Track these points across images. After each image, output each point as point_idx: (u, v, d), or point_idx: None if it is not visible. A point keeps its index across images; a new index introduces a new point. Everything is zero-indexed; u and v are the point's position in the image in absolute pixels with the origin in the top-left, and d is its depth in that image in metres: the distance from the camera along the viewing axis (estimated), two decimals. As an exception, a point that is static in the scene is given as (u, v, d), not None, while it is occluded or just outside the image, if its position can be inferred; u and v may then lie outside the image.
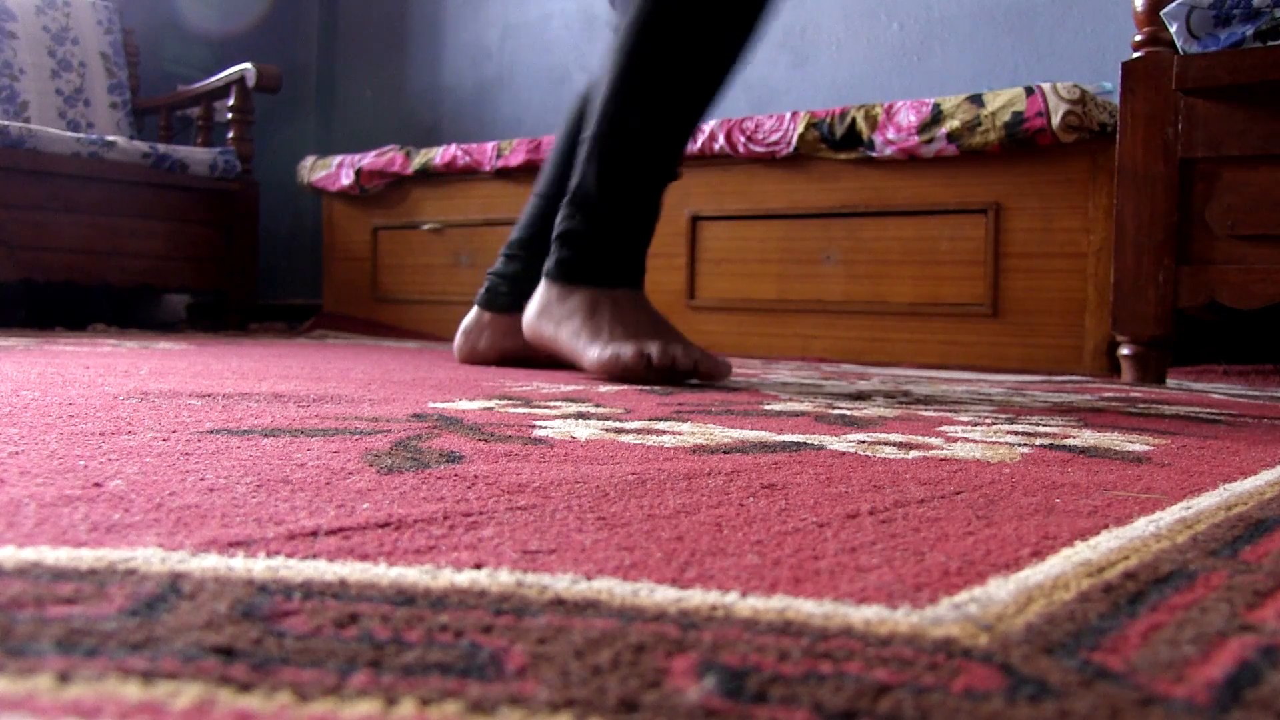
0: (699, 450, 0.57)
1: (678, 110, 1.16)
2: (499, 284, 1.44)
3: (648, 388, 1.04)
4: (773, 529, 0.37)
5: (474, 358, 1.45)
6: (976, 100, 1.79)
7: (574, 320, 1.16)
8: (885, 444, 0.62)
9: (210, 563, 0.29)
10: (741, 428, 0.69)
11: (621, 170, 1.16)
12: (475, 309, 1.47)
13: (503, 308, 1.42)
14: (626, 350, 1.08)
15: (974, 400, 1.01)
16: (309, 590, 0.27)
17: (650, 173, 1.18)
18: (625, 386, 1.04)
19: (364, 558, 0.30)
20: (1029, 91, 1.73)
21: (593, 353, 1.12)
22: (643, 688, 0.21)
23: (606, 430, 0.65)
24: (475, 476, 0.45)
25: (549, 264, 1.21)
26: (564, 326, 1.17)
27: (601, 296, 1.16)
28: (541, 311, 1.20)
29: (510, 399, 0.85)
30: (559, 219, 1.21)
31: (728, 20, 1.12)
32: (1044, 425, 0.77)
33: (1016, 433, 0.71)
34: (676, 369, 1.07)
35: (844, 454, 0.57)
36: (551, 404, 0.82)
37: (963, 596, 0.28)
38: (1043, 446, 0.64)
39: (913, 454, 0.58)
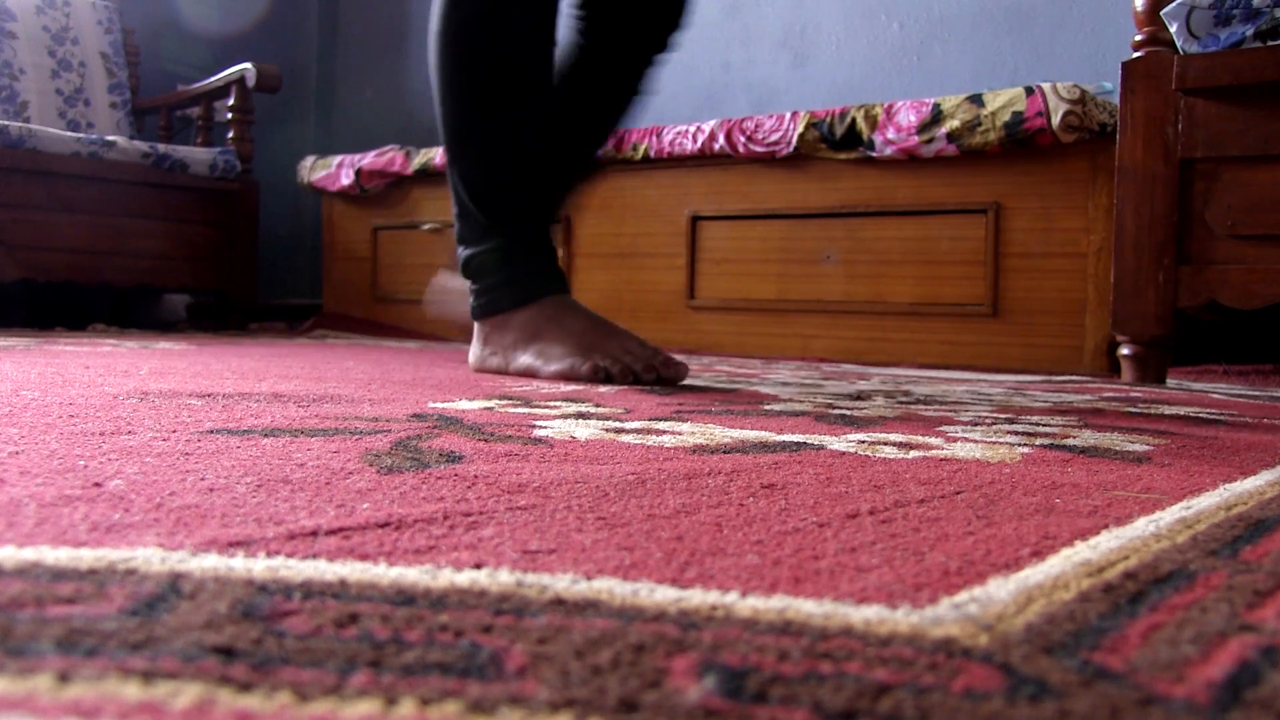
0: (699, 450, 0.57)
1: (504, 104, 1.14)
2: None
3: (647, 388, 1.04)
4: (773, 529, 0.37)
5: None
6: (976, 100, 1.79)
7: (518, 350, 1.15)
8: (885, 444, 0.62)
9: (210, 563, 0.29)
10: (741, 428, 0.69)
11: (485, 182, 1.15)
12: None
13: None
14: (581, 367, 1.08)
15: (974, 400, 1.01)
16: (309, 590, 0.27)
17: (514, 174, 1.16)
18: (625, 386, 1.04)
19: (364, 558, 0.30)
20: (1029, 91, 1.73)
21: (546, 372, 1.12)
22: (643, 688, 0.21)
23: (606, 430, 0.65)
24: (475, 476, 0.45)
25: (472, 305, 1.20)
26: (512, 359, 1.16)
27: (532, 315, 1.15)
28: (486, 353, 1.19)
29: (510, 399, 0.85)
30: (458, 252, 1.21)
31: (511, 12, 1.11)
32: (1044, 425, 0.77)
33: (1016, 433, 0.71)
34: (640, 380, 1.07)
35: (844, 454, 0.57)
36: (551, 404, 0.82)
37: (963, 596, 0.28)
38: (1043, 446, 0.64)
39: (913, 454, 0.58)
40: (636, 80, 1.25)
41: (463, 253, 1.21)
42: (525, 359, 1.15)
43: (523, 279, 1.16)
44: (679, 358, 1.31)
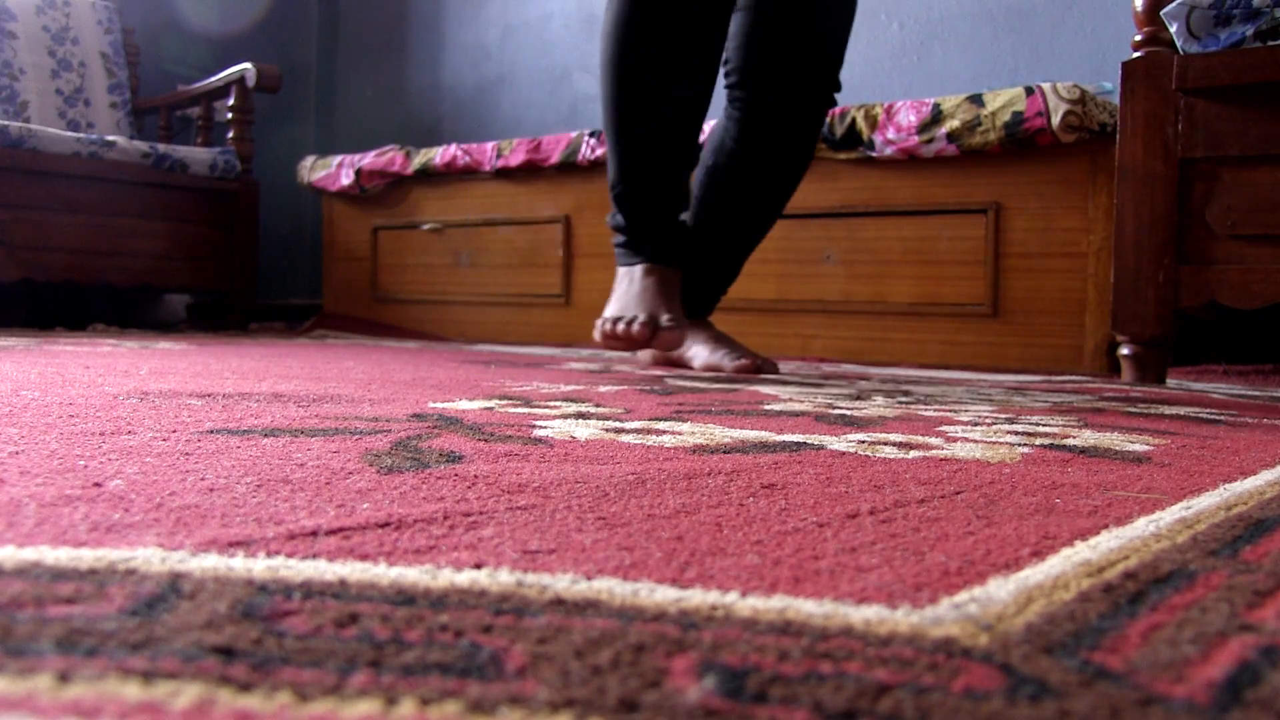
0: (699, 450, 0.57)
1: (654, 103, 1.29)
2: None
3: (647, 388, 1.04)
4: (773, 529, 0.37)
5: (637, 357, 1.65)
6: (976, 100, 1.79)
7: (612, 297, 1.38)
8: (885, 444, 0.62)
9: (210, 563, 0.29)
10: (741, 428, 0.69)
11: (626, 159, 1.31)
12: None
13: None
14: (604, 323, 1.30)
15: (974, 400, 1.01)
16: (309, 590, 0.27)
17: (651, 159, 1.32)
18: (625, 386, 1.04)
19: (364, 558, 0.30)
20: (1029, 91, 1.73)
21: (601, 318, 1.34)
22: (643, 688, 0.21)
23: (606, 430, 0.65)
24: (475, 476, 0.45)
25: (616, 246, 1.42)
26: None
27: (625, 274, 1.36)
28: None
29: (510, 399, 0.85)
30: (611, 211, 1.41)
31: (675, 24, 1.24)
32: (1044, 425, 0.77)
33: (1016, 433, 0.71)
34: (632, 338, 1.26)
35: (844, 454, 0.57)
36: (551, 404, 0.82)
37: (963, 596, 0.28)
38: (1043, 446, 0.64)
39: (913, 454, 0.58)
40: (811, 137, 1.38)
41: (611, 215, 1.40)
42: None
43: (631, 241, 1.36)
44: (623, 354, 1.59)
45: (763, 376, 1.31)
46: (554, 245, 2.36)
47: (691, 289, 1.48)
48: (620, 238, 1.37)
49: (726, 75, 1.36)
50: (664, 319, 1.27)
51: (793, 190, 1.44)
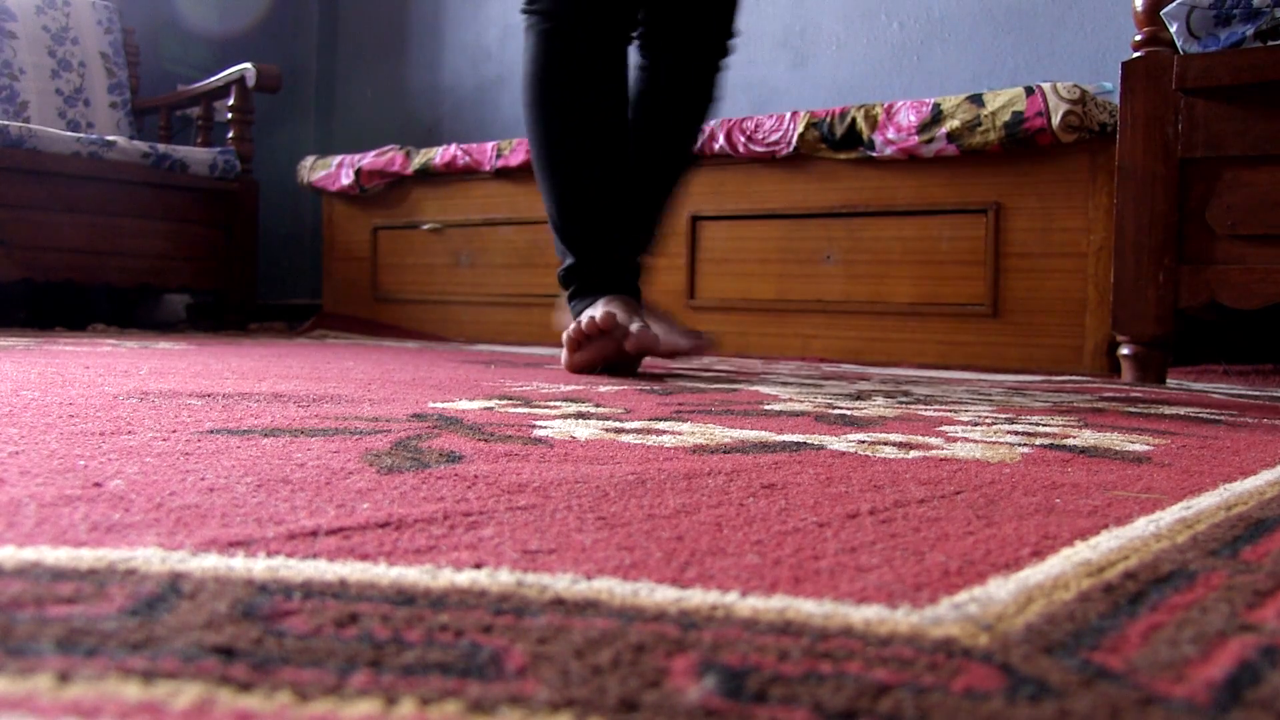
0: (699, 450, 0.57)
1: (582, 132, 1.31)
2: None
3: (648, 388, 1.04)
4: (773, 529, 0.37)
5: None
6: (976, 100, 1.79)
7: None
8: (885, 444, 0.62)
9: (210, 563, 0.29)
10: (741, 428, 0.69)
11: (568, 195, 1.32)
12: None
13: None
14: (579, 321, 1.23)
15: (974, 400, 1.01)
16: (309, 590, 0.27)
17: (592, 185, 1.32)
18: (625, 386, 1.04)
19: (364, 558, 0.30)
20: (1029, 91, 1.73)
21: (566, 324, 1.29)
22: (643, 688, 0.21)
23: (606, 430, 0.65)
24: (475, 476, 0.45)
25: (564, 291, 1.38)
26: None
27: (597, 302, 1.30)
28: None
29: (510, 399, 0.85)
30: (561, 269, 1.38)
31: (581, 74, 1.30)
32: (1044, 425, 0.77)
33: (1016, 433, 0.71)
34: (600, 332, 1.19)
35: (844, 454, 0.57)
36: (551, 404, 0.82)
37: (963, 596, 0.28)
38: (1043, 446, 0.64)
39: (913, 454, 0.58)
40: (707, 88, 1.46)
41: (562, 266, 1.36)
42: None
43: (595, 285, 1.31)
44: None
45: (762, 376, 1.31)
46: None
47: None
48: (573, 285, 1.32)
49: (636, 39, 1.43)
50: (634, 325, 1.21)
51: (693, 140, 1.50)
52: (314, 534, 0.33)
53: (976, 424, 0.76)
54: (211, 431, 0.57)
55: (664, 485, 0.45)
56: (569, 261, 1.32)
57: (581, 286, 1.31)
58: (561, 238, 1.33)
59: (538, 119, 1.32)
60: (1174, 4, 1.41)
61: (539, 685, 0.21)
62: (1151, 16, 1.46)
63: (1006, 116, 1.74)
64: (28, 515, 0.34)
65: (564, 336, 1.24)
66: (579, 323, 1.22)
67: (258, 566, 0.29)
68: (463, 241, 2.53)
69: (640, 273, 1.39)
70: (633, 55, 1.43)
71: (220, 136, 2.73)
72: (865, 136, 1.89)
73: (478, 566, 0.30)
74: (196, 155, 2.44)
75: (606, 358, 1.23)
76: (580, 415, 0.74)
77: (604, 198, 1.32)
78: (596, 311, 1.21)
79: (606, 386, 1.04)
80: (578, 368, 1.25)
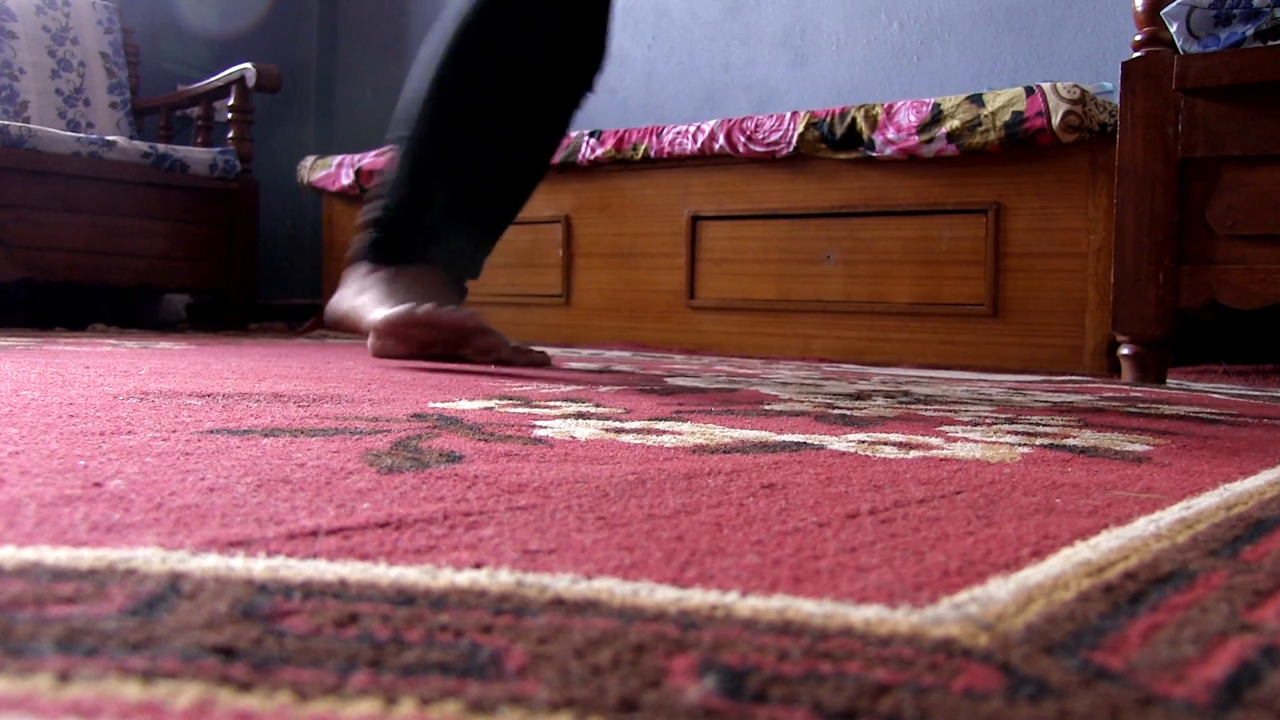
0: (699, 450, 0.57)
1: (492, 126, 1.23)
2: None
3: (648, 388, 1.04)
4: (773, 529, 0.37)
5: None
6: (976, 100, 1.79)
7: (370, 291, 1.21)
8: (885, 444, 0.62)
9: (210, 563, 0.29)
10: (741, 428, 0.69)
11: (439, 172, 1.23)
12: None
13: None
14: (399, 309, 1.12)
15: (974, 400, 1.01)
16: (309, 590, 0.27)
17: (468, 180, 1.24)
18: (625, 386, 1.04)
19: (364, 558, 0.30)
20: (1029, 91, 1.73)
21: (376, 314, 1.16)
22: (643, 688, 0.21)
23: (606, 430, 0.65)
24: (475, 476, 0.45)
25: (358, 247, 1.26)
26: (360, 296, 1.22)
27: (404, 272, 1.21)
28: (344, 289, 1.25)
29: (510, 399, 0.85)
30: (370, 207, 1.26)
31: (525, 47, 1.20)
32: (1044, 425, 0.77)
33: (1017, 433, 0.71)
34: (440, 325, 1.10)
35: (844, 454, 0.57)
36: (551, 404, 0.82)
37: (963, 596, 0.28)
38: (1043, 446, 0.64)
39: (913, 454, 0.58)
40: (564, 122, 1.34)
41: (374, 209, 1.25)
42: (365, 301, 1.21)
43: (417, 244, 1.22)
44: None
45: (762, 376, 1.31)
46: (554, 245, 2.36)
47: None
48: (377, 234, 1.24)
49: None
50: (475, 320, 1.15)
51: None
52: (314, 534, 0.33)
53: (976, 424, 0.76)
54: (211, 431, 0.57)
55: (664, 485, 0.45)
56: (391, 206, 1.23)
57: (393, 240, 1.23)
58: (410, 181, 1.23)
59: (457, 101, 1.23)
60: (1174, 4, 1.41)
61: (539, 685, 0.21)
62: (1151, 16, 1.46)
63: (1006, 116, 1.74)
64: (28, 515, 0.34)
65: (383, 318, 1.13)
66: (414, 311, 1.11)
67: (258, 566, 0.29)
68: (463, 241, 2.53)
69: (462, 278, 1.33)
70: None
71: (220, 136, 2.73)
72: (865, 136, 1.89)
73: (478, 566, 0.30)
74: (196, 155, 2.44)
75: (430, 349, 1.16)
76: (580, 415, 0.74)
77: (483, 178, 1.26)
78: (444, 307, 1.11)
79: (606, 387, 1.04)
80: (389, 354, 1.17)
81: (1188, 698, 0.21)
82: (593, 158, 2.24)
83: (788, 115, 1.99)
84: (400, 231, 1.24)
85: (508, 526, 0.36)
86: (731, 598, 0.27)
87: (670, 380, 1.17)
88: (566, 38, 1.26)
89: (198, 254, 2.47)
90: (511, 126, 1.26)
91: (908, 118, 1.85)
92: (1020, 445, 0.64)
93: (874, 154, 1.89)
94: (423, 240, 1.24)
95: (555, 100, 1.30)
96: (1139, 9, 1.47)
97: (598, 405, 0.82)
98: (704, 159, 2.12)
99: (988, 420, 0.80)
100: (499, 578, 0.28)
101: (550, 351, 1.94)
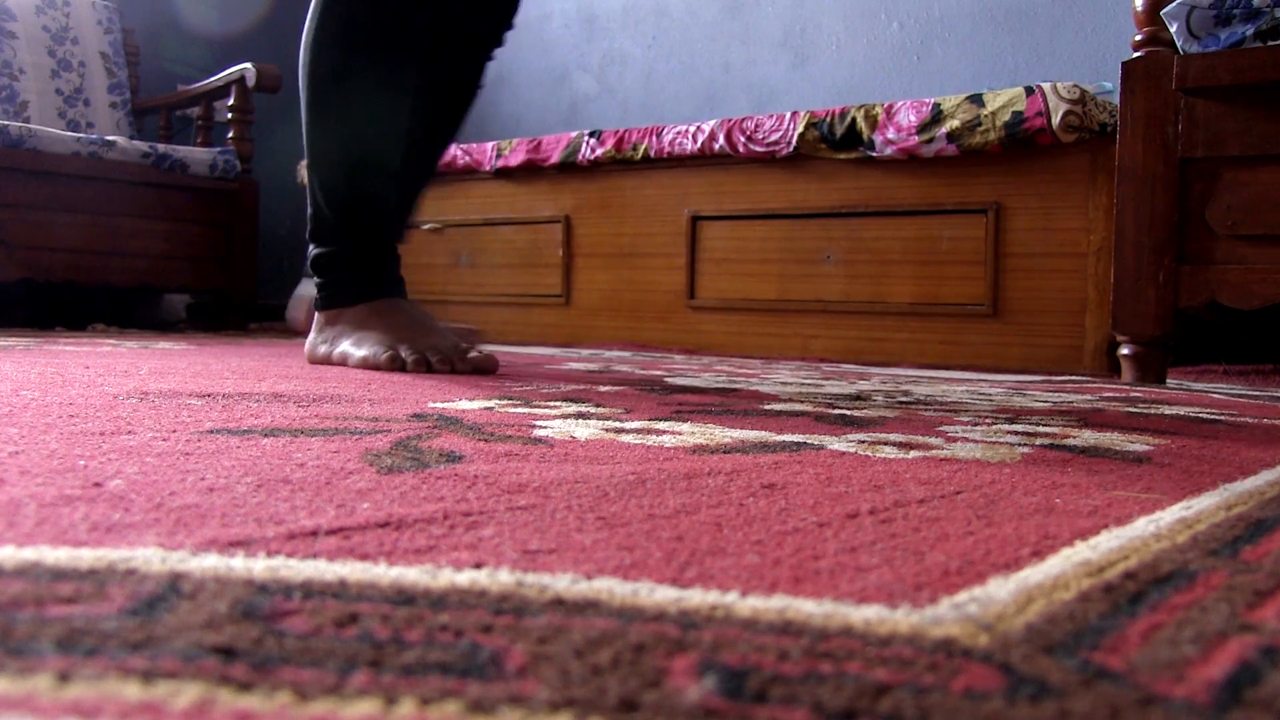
0: (699, 450, 0.57)
1: (365, 119, 1.20)
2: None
3: (648, 388, 1.04)
4: (773, 529, 0.37)
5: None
6: (976, 100, 1.79)
7: (342, 339, 1.24)
8: (885, 444, 0.62)
9: (210, 563, 0.29)
10: (741, 428, 0.69)
11: (341, 188, 1.22)
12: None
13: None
14: (381, 355, 1.15)
15: (974, 400, 1.01)
16: (309, 590, 0.27)
17: (368, 185, 1.23)
18: (625, 386, 1.04)
19: (364, 558, 0.30)
20: (1029, 91, 1.73)
21: (355, 356, 1.19)
22: (643, 688, 0.21)
23: (606, 430, 0.65)
24: (475, 476, 0.45)
25: (315, 299, 1.28)
26: (335, 347, 1.24)
27: (363, 310, 1.23)
28: (318, 341, 1.27)
29: (510, 399, 0.85)
30: (309, 250, 1.27)
31: (386, 41, 1.17)
32: (1044, 425, 0.77)
33: (1017, 433, 0.71)
34: (432, 370, 1.12)
35: (844, 454, 0.57)
36: (551, 404, 0.82)
37: (963, 596, 0.28)
38: (1043, 446, 0.64)
39: (913, 454, 0.58)
40: (474, 81, 1.32)
41: (313, 250, 1.27)
42: (344, 346, 1.22)
43: (363, 279, 1.24)
44: (491, 350, 1.41)
45: (762, 376, 1.31)
46: (554, 245, 2.36)
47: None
48: (335, 274, 1.24)
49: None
50: (471, 353, 1.15)
51: (461, 124, 1.35)
52: (314, 534, 0.33)
53: (976, 424, 0.76)
54: (211, 431, 0.57)
55: (664, 485, 0.45)
56: (337, 245, 1.23)
57: (355, 273, 1.23)
58: (337, 214, 1.23)
59: (330, 76, 1.19)
60: (1174, 4, 1.41)
61: (539, 685, 0.21)
62: (1151, 16, 1.46)
63: (1006, 116, 1.74)
64: (28, 515, 0.34)
65: (368, 356, 1.16)
66: (400, 356, 1.13)
67: (258, 566, 0.29)
68: (462, 241, 2.53)
69: (399, 261, 1.32)
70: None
71: (220, 136, 2.72)
72: (865, 136, 1.89)
73: (478, 566, 0.30)
74: (196, 155, 2.44)
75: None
76: (580, 415, 0.74)
77: (390, 177, 1.24)
78: (428, 354, 1.13)
79: (606, 387, 1.04)
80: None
81: (1188, 698, 0.21)
82: (593, 158, 2.24)
83: (788, 115, 1.99)
84: (345, 272, 1.24)
85: (508, 526, 0.36)
86: (731, 598, 0.27)
87: (670, 380, 1.17)
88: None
89: (198, 254, 2.47)
90: (390, 91, 1.22)
91: (908, 118, 1.85)
92: (1020, 445, 0.64)
93: (874, 154, 1.89)
94: (368, 275, 1.24)
95: (463, 67, 1.28)
96: (1139, 9, 1.47)
97: (598, 405, 0.82)
98: (704, 159, 2.11)
99: (988, 420, 0.80)
100: (499, 578, 0.28)
101: (550, 351, 1.94)
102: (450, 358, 1.14)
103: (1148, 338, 1.46)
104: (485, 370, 1.14)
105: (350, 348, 1.21)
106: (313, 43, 1.19)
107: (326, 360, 1.25)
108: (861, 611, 0.27)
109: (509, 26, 1.32)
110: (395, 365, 1.14)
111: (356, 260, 1.24)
